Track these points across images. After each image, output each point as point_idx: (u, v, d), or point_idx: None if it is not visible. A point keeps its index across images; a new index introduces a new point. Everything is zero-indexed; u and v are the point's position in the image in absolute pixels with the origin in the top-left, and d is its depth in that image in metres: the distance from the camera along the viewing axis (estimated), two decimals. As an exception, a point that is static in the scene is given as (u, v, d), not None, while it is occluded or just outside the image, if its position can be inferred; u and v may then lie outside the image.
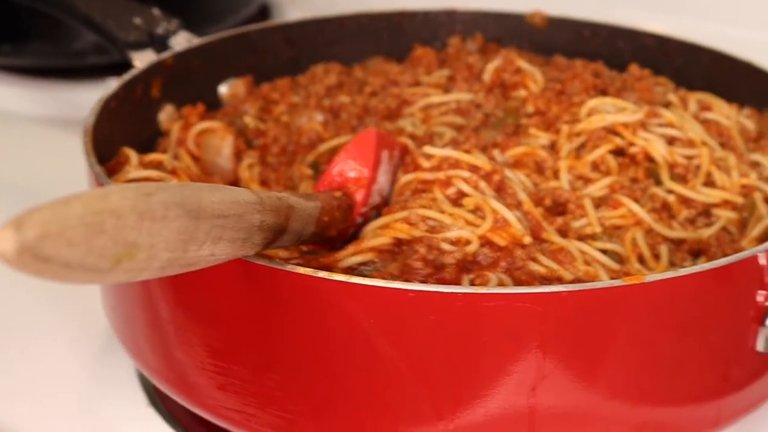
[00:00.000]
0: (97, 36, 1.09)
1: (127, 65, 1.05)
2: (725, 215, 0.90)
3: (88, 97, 0.96)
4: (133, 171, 0.89)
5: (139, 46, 1.07)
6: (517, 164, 0.92)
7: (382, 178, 0.88)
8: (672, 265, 0.85)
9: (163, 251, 0.56)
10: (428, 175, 0.86)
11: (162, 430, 0.90)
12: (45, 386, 0.94)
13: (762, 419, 0.89)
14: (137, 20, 1.08)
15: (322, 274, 0.70)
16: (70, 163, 1.04)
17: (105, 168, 0.89)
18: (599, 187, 0.90)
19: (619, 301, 0.71)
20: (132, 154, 0.91)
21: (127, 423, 0.91)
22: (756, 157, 0.97)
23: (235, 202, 0.62)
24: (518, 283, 0.78)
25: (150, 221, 0.54)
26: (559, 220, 0.86)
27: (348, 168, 0.85)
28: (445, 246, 0.79)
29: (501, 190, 0.86)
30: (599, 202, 0.89)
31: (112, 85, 0.97)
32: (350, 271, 0.79)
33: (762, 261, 0.76)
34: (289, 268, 0.71)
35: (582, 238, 0.85)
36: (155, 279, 0.73)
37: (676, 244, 0.88)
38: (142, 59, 1.05)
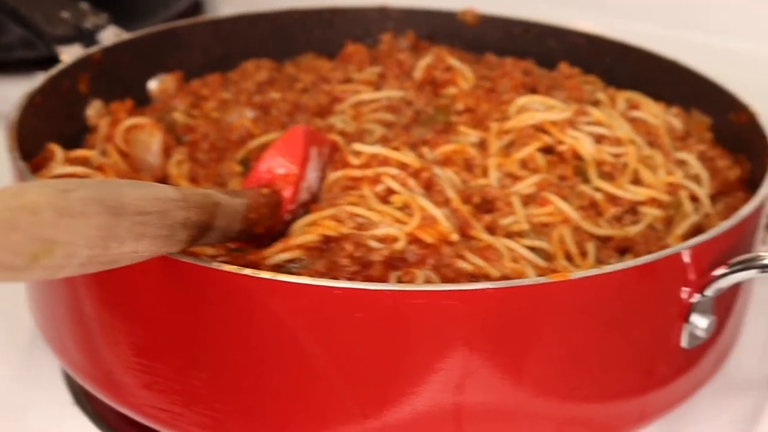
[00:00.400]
0: (24, 30, 1.08)
1: (55, 60, 1.04)
2: (651, 213, 0.91)
3: (14, 92, 0.95)
4: (59, 167, 0.88)
5: (67, 40, 1.06)
6: (446, 162, 0.92)
7: (311, 175, 0.87)
8: (599, 262, 0.86)
9: (83, 248, 0.55)
10: (357, 173, 0.86)
11: (88, 429, 0.89)
12: (-33, 386, 0.93)
13: (686, 415, 0.90)
14: (65, 14, 1.07)
15: (247, 271, 0.69)
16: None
17: (30, 164, 0.88)
18: (527, 184, 0.90)
19: (544, 299, 0.71)
20: (57, 150, 0.90)
21: (52, 423, 0.89)
22: (682, 155, 0.98)
23: (157, 198, 0.62)
24: (445, 280, 0.78)
25: (68, 218, 0.53)
26: (488, 218, 0.86)
27: (276, 165, 0.84)
28: (373, 243, 0.79)
29: (429, 188, 0.86)
30: (527, 200, 0.89)
31: (38, 79, 0.96)
32: (278, 268, 0.79)
33: (686, 258, 0.76)
34: (214, 265, 0.70)
35: (510, 235, 0.86)
36: (79, 276, 0.73)
37: (604, 241, 0.88)
38: (69, 54, 1.04)
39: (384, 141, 0.94)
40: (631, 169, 0.93)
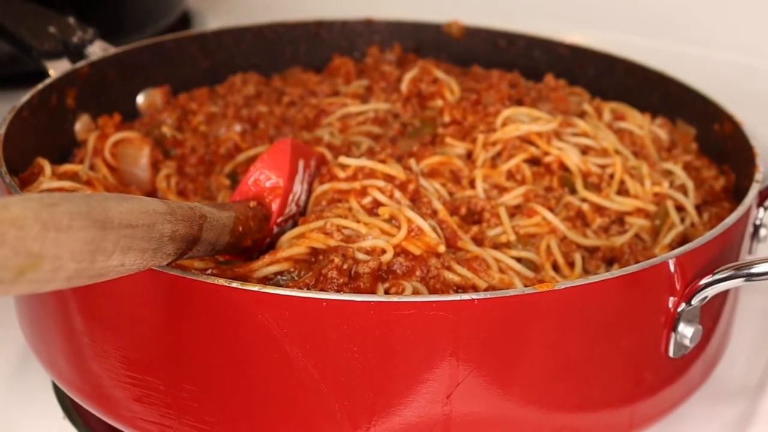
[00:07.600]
0: (11, 45, 1.08)
1: (42, 74, 1.04)
2: (638, 223, 0.92)
3: (2, 107, 0.95)
4: (47, 182, 0.88)
5: (54, 55, 1.06)
6: (433, 173, 0.92)
7: (299, 188, 0.88)
8: (586, 272, 0.86)
9: (70, 262, 0.55)
10: (344, 185, 0.87)
11: (78, 443, 0.89)
12: (-43, 400, 0.93)
13: (676, 423, 0.90)
14: (52, 29, 1.07)
15: (235, 284, 0.69)
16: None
17: (19, 178, 0.88)
18: (514, 195, 0.91)
19: (530, 309, 0.71)
20: (46, 165, 0.90)
21: (42, 436, 0.90)
22: (668, 165, 0.99)
23: (144, 212, 0.62)
24: (433, 291, 0.78)
25: (54, 232, 0.53)
26: (475, 229, 0.86)
27: (263, 178, 0.85)
28: (360, 255, 0.79)
29: (416, 200, 0.86)
30: (514, 211, 0.90)
31: (26, 94, 0.96)
32: (266, 280, 0.79)
33: (672, 268, 0.77)
34: (202, 278, 0.70)
35: (497, 246, 0.86)
36: (68, 290, 0.73)
37: (591, 251, 0.89)
38: (57, 68, 1.04)
39: (370, 154, 0.94)
40: (617, 179, 0.94)
